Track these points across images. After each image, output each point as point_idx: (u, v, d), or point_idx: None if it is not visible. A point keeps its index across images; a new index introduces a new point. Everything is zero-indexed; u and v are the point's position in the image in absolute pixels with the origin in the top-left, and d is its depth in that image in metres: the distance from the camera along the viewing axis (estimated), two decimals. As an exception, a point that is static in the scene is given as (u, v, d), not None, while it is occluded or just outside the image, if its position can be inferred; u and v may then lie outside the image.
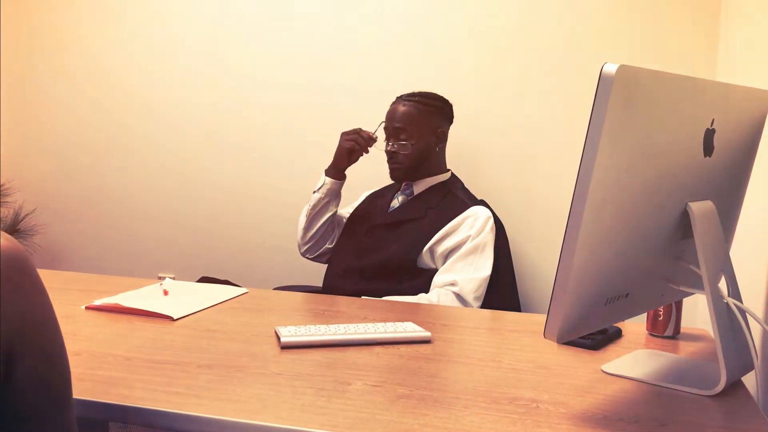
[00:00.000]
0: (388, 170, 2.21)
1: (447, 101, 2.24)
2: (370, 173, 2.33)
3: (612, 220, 1.01)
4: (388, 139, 2.19)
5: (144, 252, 2.93)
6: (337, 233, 2.31)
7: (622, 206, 1.02)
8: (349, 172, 2.26)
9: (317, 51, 2.68)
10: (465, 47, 2.54)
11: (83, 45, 2.91)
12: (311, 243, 2.29)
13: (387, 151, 2.19)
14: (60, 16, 2.92)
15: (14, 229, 2.88)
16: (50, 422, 0.78)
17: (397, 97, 2.21)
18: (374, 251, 2.12)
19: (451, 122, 2.26)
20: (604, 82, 0.91)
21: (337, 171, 2.25)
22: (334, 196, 2.26)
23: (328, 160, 2.25)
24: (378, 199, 2.29)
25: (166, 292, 1.73)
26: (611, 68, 0.91)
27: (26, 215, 2.96)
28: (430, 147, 2.18)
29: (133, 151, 2.90)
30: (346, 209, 2.35)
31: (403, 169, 2.17)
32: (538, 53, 2.47)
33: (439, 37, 2.56)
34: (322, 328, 1.42)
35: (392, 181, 2.27)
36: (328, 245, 2.31)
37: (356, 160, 2.25)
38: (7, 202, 2.93)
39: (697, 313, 2.14)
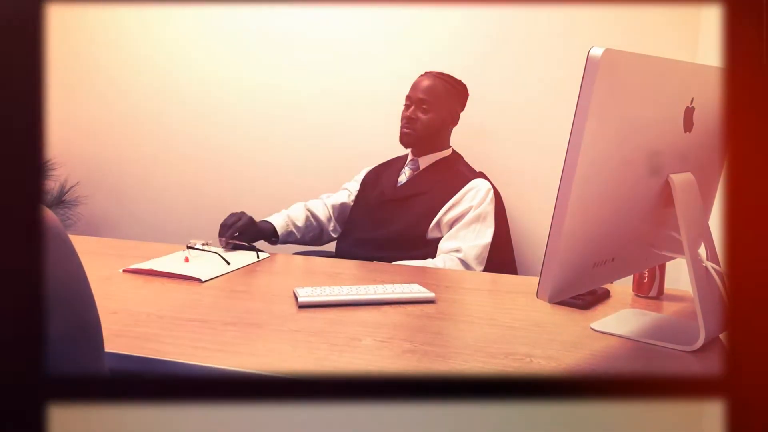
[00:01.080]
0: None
1: (466, 89, 2.24)
2: (367, 149, 2.31)
3: (598, 191, 1.02)
4: (408, 107, 2.18)
5: (176, 220, 2.96)
6: (330, 222, 2.27)
7: (608, 178, 1.02)
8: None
9: (333, 45, 2.67)
10: (466, 34, 2.52)
11: (119, 42, 2.92)
12: (318, 235, 2.27)
13: (405, 116, 2.16)
14: (103, 16, 2.93)
15: (60, 200, 2.92)
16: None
17: (426, 72, 2.22)
18: (387, 224, 2.13)
19: (462, 109, 2.26)
20: (591, 64, 0.92)
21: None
22: (284, 237, 2.15)
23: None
24: (383, 173, 2.28)
25: (186, 259, 1.74)
26: (597, 52, 0.91)
27: (71, 188, 2.99)
28: (445, 124, 2.18)
29: (166, 130, 2.92)
30: (351, 184, 2.32)
31: (415, 135, 2.15)
32: (534, 39, 2.47)
33: (441, 24, 2.54)
34: (336, 289, 1.44)
35: (395, 155, 2.27)
36: (333, 231, 2.28)
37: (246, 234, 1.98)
38: (52, 175, 2.97)
39: (680, 276, 2.14)
